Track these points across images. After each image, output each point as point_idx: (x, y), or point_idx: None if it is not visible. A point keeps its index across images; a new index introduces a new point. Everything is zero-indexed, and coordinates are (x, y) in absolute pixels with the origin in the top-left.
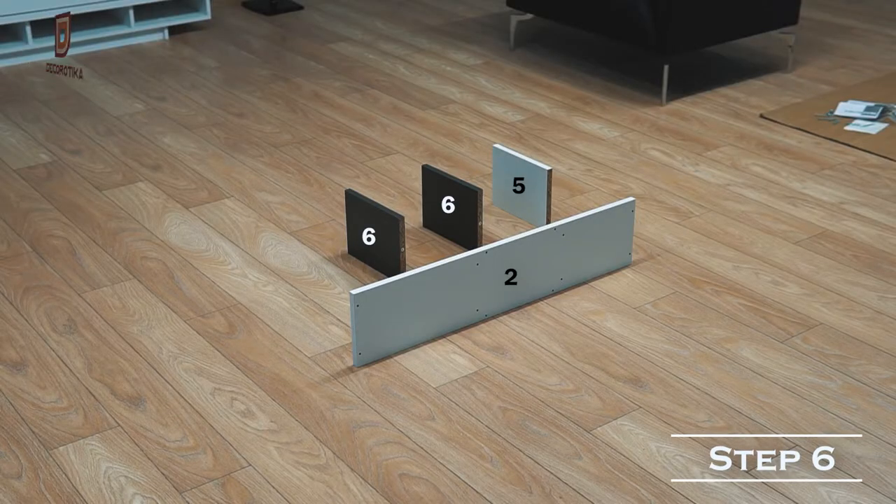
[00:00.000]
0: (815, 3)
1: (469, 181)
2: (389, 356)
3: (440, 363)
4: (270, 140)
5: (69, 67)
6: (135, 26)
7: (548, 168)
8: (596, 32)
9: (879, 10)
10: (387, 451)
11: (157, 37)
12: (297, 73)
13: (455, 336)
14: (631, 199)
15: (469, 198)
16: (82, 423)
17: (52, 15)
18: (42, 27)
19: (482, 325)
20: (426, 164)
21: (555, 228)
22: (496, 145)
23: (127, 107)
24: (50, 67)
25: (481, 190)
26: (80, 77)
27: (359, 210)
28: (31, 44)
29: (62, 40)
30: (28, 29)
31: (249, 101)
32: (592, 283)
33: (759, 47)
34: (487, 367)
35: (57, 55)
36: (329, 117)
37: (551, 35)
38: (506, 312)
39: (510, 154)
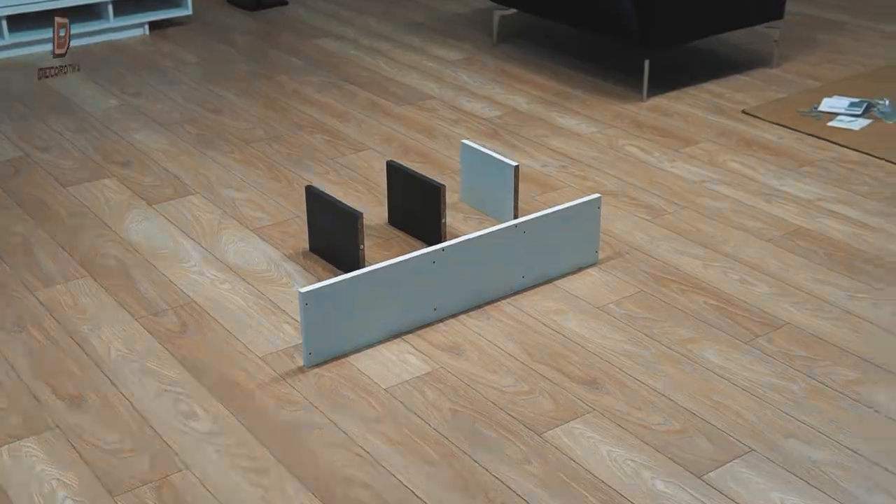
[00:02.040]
0: None
1: (439, 178)
2: (342, 356)
3: (393, 363)
4: (243, 136)
5: (67, 66)
6: (114, 21)
7: (514, 164)
8: (580, 27)
9: (865, 4)
10: (330, 454)
11: (137, 32)
12: (278, 69)
13: (410, 336)
14: (597, 195)
15: (433, 194)
16: (20, 424)
17: (30, 10)
18: (18, 22)
19: (439, 324)
20: (390, 160)
21: (516, 226)
22: (464, 141)
23: (102, 103)
24: (42, 73)
25: (444, 186)
26: (78, 70)
27: (319, 206)
28: (8, 38)
29: (62, 36)
30: (4, 24)
31: (226, 97)
32: (556, 282)
33: (744, 42)
34: (441, 367)
35: (56, 55)
36: (305, 113)
37: (535, 30)
38: (465, 312)
39: (478, 150)
